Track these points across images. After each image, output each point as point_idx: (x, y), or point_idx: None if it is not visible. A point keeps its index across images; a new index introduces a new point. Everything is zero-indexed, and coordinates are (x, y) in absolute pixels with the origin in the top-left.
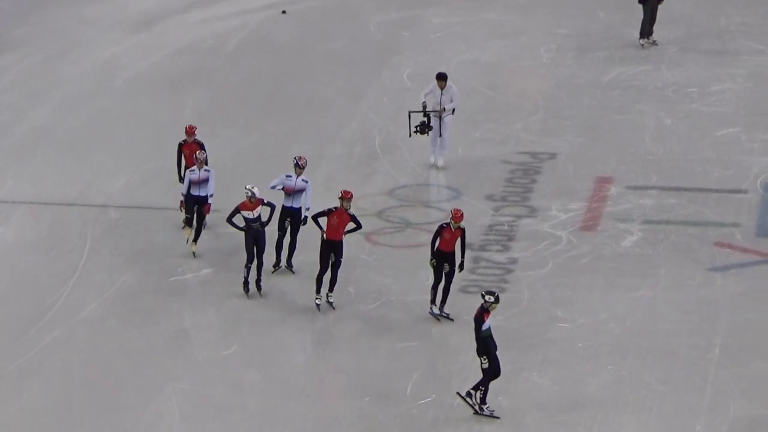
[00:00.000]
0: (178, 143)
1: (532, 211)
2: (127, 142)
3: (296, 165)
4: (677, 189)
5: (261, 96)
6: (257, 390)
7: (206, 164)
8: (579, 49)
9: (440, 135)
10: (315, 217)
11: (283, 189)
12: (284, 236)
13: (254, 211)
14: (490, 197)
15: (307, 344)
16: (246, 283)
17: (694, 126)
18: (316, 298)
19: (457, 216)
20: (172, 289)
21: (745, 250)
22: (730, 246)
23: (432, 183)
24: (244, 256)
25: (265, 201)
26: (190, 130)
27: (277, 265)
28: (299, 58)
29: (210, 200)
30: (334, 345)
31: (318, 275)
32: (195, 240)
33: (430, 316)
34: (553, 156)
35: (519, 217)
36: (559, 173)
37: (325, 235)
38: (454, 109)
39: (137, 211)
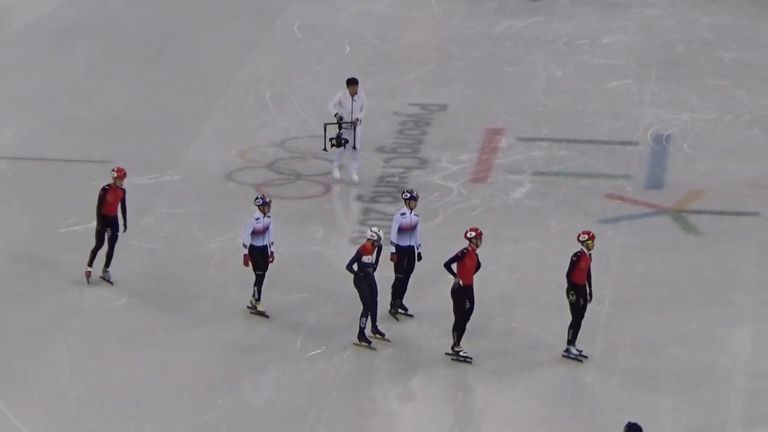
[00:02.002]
0: (102, 187)
1: (423, 163)
2: (17, 93)
3: (411, 198)
4: (568, 141)
5: (152, 47)
6: (147, 343)
7: None
8: (470, 0)
9: (354, 147)
10: (447, 265)
11: (399, 228)
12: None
13: (372, 255)
14: (380, 149)
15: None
16: (364, 333)
17: (584, 78)
18: (462, 351)
19: (592, 236)
20: (62, 240)
21: (635, 202)
22: (620, 198)
23: (322, 134)
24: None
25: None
26: (121, 174)
27: (404, 309)
28: (190, 8)
29: (272, 248)
30: (218, 305)
31: (460, 324)
32: (259, 298)
33: (326, 273)
34: (443, 107)
35: (409, 168)
36: (450, 125)
37: (461, 282)
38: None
39: (28, 162)
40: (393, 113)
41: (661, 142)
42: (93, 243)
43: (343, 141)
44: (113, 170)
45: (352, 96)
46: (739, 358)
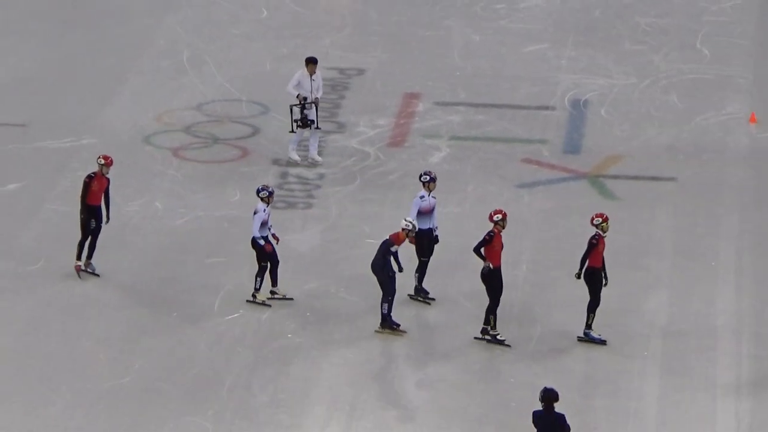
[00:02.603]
0: (88, 175)
1: (340, 127)
2: None
3: (431, 180)
4: (485, 105)
5: (64, 7)
6: (63, 307)
7: None
8: None
9: (317, 127)
10: (476, 250)
11: (418, 211)
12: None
13: (401, 246)
14: None
15: (126, 264)
16: (387, 319)
17: (501, 42)
18: (498, 334)
19: (606, 218)
20: None
21: (552, 167)
22: (537, 162)
23: (240, 98)
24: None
25: None
26: (109, 162)
27: (425, 293)
28: None
29: (272, 231)
30: (135, 269)
31: (494, 307)
32: (259, 288)
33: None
34: (361, 72)
35: (327, 132)
36: (367, 89)
37: (491, 265)
38: None
39: None
40: None
41: (578, 107)
42: (77, 234)
43: (309, 122)
44: (100, 157)
45: (311, 75)
46: (656, 323)
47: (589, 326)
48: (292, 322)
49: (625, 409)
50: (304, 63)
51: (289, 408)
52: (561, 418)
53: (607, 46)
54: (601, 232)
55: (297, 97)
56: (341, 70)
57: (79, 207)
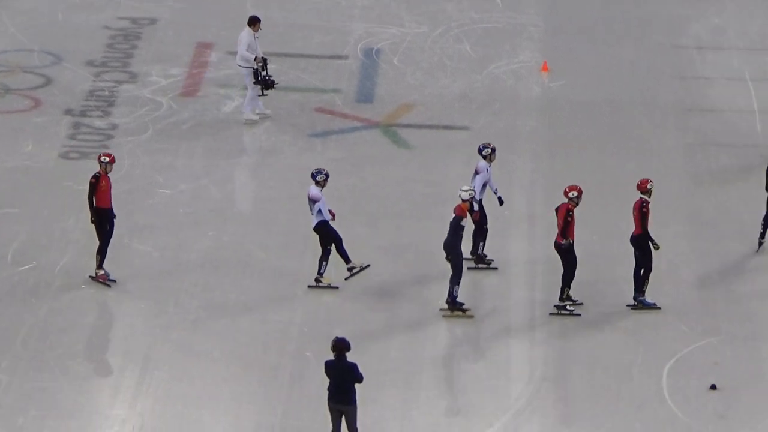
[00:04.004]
0: (93, 176)
1: (133, 77)
2: None
3: (493, 151)
4: (278, 55)
5: None
6: None
7: None
8: None
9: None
10: (564, 233)
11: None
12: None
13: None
14: (90, 63)
15: None
16: (456, 300)
17: None
18: (566, 305)
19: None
20: None
21: (345, 116)
22: (330, 112)
23: (32, 48)
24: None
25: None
26: (113, 160)
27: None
28: None
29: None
30: None
31: (570, 280)
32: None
33: None
34: (153, 21)
35: (119, 82)
36: (160, 39)
37: (571, 239)
38: None
39: None
40: (103, 27)
41: (371, 56)
42: (87, 242)
43: (271, 82)
44: (103, 155)
45: (255, 34)
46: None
47: (642, 292)
48: (86, 272)
49: (420, 358)
50: (247, 23)
51: (84, 359)
52: (353, 366)
53: None
54: (647, 198)
55: (255, 59)
56: (133, 20)
57: (90, 212)
